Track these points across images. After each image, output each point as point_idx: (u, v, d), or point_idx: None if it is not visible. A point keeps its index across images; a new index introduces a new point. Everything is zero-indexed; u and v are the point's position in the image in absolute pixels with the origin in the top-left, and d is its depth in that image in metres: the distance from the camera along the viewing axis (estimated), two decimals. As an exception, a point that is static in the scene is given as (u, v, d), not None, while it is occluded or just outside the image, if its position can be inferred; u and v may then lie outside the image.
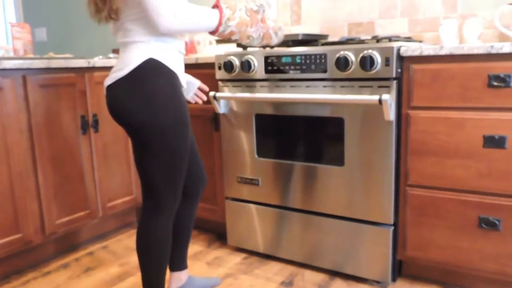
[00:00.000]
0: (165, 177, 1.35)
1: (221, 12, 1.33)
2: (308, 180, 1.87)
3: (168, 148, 1.31)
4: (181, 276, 1.67)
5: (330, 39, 2.17)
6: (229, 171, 2.10)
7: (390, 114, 1.62)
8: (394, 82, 1.62)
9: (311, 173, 1.85)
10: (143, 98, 1.26)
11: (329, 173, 1.81)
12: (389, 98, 1.58)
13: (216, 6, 1.35)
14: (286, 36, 1.91)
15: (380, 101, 1.59)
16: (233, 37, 1.40)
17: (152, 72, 1.27)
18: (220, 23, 1.33)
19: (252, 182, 2.03)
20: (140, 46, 1.29)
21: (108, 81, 1.34)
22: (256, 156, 1.99)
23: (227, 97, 1.96)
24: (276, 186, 1.96)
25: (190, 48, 2.56)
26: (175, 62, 1.34)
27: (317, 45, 1.85)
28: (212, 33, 1.36)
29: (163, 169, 1.33)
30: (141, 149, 1.33)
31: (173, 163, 1.34)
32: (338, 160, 1.78)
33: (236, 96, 1.92)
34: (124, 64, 1.29)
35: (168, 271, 1.84)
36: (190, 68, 2.16)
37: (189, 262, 2.08)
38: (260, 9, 1.43)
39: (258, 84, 1.91)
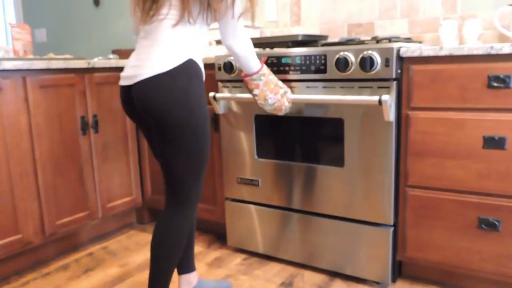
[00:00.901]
0: (193, 173, 1.41)
1: (262, 65, 1.62)
2: (308, 180, 1.87)
3: (198, 146, 1.38)
4: (191, 279, 1.66)
5: (330, 40, 2.17)
6: (229, 172, 2.10)
7: (390, 115, 1.62)
8: (394, 83, 1.62)
9: (311, 174, 1.85)
10: (182, 96, 1.32)
11: (329, 174, 1.81)
12: (389, 98, 1.58)
13: (262, 61, 1.64)
14: (285, 36, 1.92)
15: (380, 101, 1.59)
16: (254, 92, 1.65)
17: (191, 73, 1.35)
18: (256, 72, 1.60)
19: (252, 182, 2.03)
20: (182, 45, 1.35)
21: (141, 74, 1.33)
22: (256, 156, 1.99)
23: (227, 98, 1.96)
24: (276, 186, 1.96)
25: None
26: (202, 67, 1.43)
27: (317, 45, 1.85)
28: (245, 75, 1.62)
29: (193, 165, 1.40)
30: (172, 146, 1.36)
31: (201, 160, 1.41)
32: (338, 161, 1.78)
33: (236, 97, 1.93)
34: (162, 59, 1.32)
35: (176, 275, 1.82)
36: (190, 69, 2.16)
37: (189, 263, 2.08)
38: (284, 89, 1.73)
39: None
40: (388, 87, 1.63)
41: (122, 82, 1.42)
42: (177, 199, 1.44)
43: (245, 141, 2.01)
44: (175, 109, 1.31)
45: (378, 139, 1.68)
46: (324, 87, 1.76)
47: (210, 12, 1.37)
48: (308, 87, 1.79)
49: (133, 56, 1.42)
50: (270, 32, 2.59)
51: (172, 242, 1.44)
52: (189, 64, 1.35)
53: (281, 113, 1.75)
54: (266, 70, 1.63)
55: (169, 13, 1.34)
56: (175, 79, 1.32)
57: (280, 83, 1.71)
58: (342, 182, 1.78)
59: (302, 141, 1.86)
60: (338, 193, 1.80)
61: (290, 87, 1.83)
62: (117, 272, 2.03)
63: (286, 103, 1.73)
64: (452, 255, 1.67)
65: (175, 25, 1.33)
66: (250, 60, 1.56)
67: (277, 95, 1.67)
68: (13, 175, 1.89)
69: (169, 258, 1.45)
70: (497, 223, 1.57)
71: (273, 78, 1.66)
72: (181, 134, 1.34)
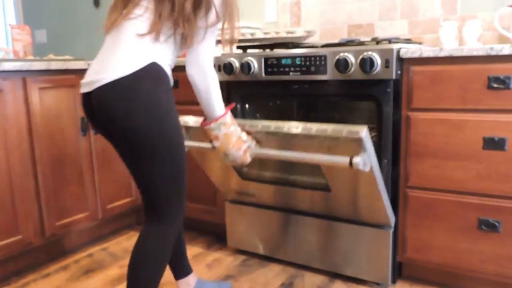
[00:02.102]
0: (172, 188, 1.29)
1: (226, 112, 1.42)
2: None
3: (173, 157, 1.25)
4: (189, 281, 1.62)
5: (330, 41, 2.17)
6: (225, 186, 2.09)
7: (366, 168, 1.46)
8: (393, 84, 1.62)
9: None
10: (149, 101, 1.19)
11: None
12: (361, 160, 1.41)
13: (227, 107, 1.44)
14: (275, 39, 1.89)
15: (351, 163, 1.42)
16: (213, 143, 1.45)
17: (158, 76, 1.23)
18: (216, 119, 1.40)
19: (247, 194, 2.02)
20: (148, 48, 1.22)
21: (102, 79, 1.19)
22: (240, 178, 1.98)
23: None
24: (276, 187, 1.96)
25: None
26: (170, 75, 1.31)
27: (317, 46, 1.85)
28: (204, 122, 1.43)
29: (171, 178, 1.27)
30: (143, 160, 1.23)
31: (179, 170, 1.28)
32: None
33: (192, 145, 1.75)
34: (124, 61, 1.20)
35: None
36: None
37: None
38: (247, 143, 1.51)
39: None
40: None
41: (83, 89, 1.26)
42: (157, 216, 1.31)
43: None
44: (141, 116, 1.17)
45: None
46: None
47: (181, 38, 1.27)
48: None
49: (94, 61, 1.29)
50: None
51: (152, 264, 1.30)
52: (154, 67, 1.22)
53: (244, 166, 1.56)
54: (229, 119, 1.42)
55: (143, 15, 1.23)
56: (140, 82, 1.18)
57: (244, 136, 1.50)
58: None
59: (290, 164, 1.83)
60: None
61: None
62: (117, 273, 2.02)
63: (249, 159, 1.52)
64: (452, 256, 1.67)
65: (142, 35, 1.21)
66: (213, 100, 1.37)
67: (239, 151, 1.46)
68: (13, 176, 1.89)
69: (147, 283, 1.30)
70: (497, 224, 1.57)
71: (235, 129, 1.45)
72: (151, 146, 1.20)
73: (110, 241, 2.39)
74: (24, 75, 1.91)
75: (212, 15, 1.27)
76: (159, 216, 1.31)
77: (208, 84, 1.35)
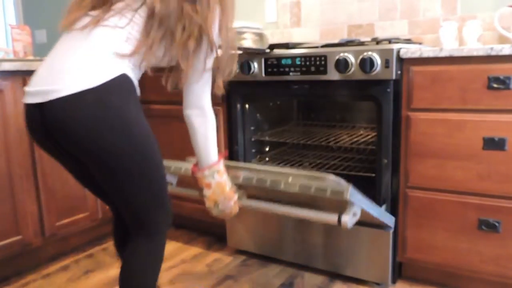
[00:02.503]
0: (157, 198, 1.19)
1: (220, 159, 1.33)
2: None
3: (151, 168, 1.15)
4: None
5: (330, 41, 2.17)
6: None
7: (355, 219, 1.40)
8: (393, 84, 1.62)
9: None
10: (118, 118, 1.06)
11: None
12: (349, 218, 1.36)
13: (221, 154, 1.35)
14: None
15: (339, 221, 1.36)
16: (204, 191, 1.33)
17: (127, 89, 1.10)
18: (210, 166, 1.30)
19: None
20: (117, 58, 1.09)
21: (59, 89, 1.02)
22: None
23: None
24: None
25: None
26: (137, 85, 1.17)
27: (317, 46, 1.86)
28: (196, 169, 1.33)
29: (152, 190, 1.17)
30: (116, 179, 1.11)
31: (158, 180, 1.18)
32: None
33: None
34: (89, 70, 1.05)
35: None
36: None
37: (188, 264, 2.08)
38: (237, 194, 1.40)
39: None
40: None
41: (29, 99, 1.07)
42: (144, 231, 1.21)
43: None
44: (113, 135, 1.05)
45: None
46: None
47: (176, 73, 1.18)
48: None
49: (45, 65, 1.11)
50: (270, 33, 2.59)
51: (150, 280, 1.22)
52: (124, 79, 1.08)
53: (228, 218, 1.46)
54: (222, 166, 1.33)
55: (124, 28, 1.10)
56: (107, 97, 1.04)
57: (235, 189, 1.39)
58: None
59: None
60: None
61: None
62: (117, 273, 2.01)
63: (237, 210, 1.42)
64: (452, 256, 1.67)
65: (121, 55, 1.08)
66: (209, 144, 1.28)
67: (230, 202, 1.35)
68: (13, 176, 1.89)
69: None
70: (497, 224, 1.57)
71: (227, 179, 1.35)
72: (127, 164, 1.09)
73: (110, 241, 2.39)
74: (24, 75, 1.91)
75: (211, 60, 1.20)
76: (146, 230, 1.21)
77: (207, 127, 1.27)
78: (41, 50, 3.56)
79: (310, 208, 1.42)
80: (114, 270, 2.05)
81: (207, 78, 1.24)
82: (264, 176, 1.39)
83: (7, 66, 1.83)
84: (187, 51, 1.14)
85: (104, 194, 1.27)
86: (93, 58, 1.06)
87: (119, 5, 1.13)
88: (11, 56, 2.44)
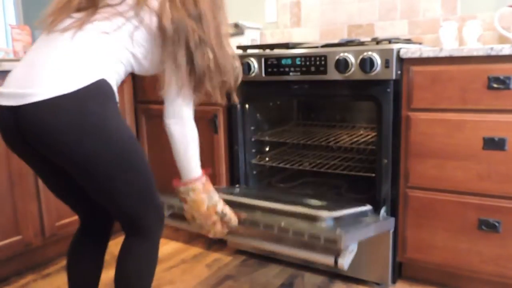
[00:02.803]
0: (146, 199, 1.17)
1: (199, 178, 1.28)
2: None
3: (135, 170, 1.13)
4: None
5: (330, 41, 2.17)
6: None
7: (352, 256, 1.41)
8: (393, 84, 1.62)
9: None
10: (97, 124, 1.03)
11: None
12: (346, 260, 1.37)
13: (203, 171, 1.31)
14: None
15: (336, 263, 1.35)
16: (184, 207, 1.31)
17: (106, 94, 1.07)
18: (185, 184, 1.27)
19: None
20: (96, 60, 1.07)
21: (36, 93, 0.99)
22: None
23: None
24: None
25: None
26: (116, 90, 1.14)
27: (317, 46, 1.86)
28: (175, 182, 1.30)
29: (140, 192, 1.15)
30: (104, 185, 1.10)
31: (145, 181, 1.16)
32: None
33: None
34: (66, 74, 1.02)
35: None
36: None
37: (188, 264, 2.08)
38: (222, 215, 1.34)
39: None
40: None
41: (4, 101, 1.03)
42: (138, 231, 1.20)
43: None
44: (89, 140, 1.02)
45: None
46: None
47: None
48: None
49: (21, 65, 1.08)
50: (270, 33, 2.59)
51: (147, 281, 1.24)
52: (102, 84, 1.06)
53: (211, 236, 1.39)
54: (200, 185, 1.28)
55: (110, 34, 1.08)
56: (85, 102, 1.01)
57: (220, 207, 1.33)
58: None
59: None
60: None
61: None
62: (117, 273, 2.02)
63: (223, 232, 1.37)
64: (452, 256, 1.67)
65: (104, 62, 1.07)
66: (189, 156, 1.25)
67: (207, 221, 1.31)
68: (13, 176, 1.89)
69: None
70: (497, 224, 1.57)
71: (208, 198, 1.29)
72: (109, 170, 1.07)
73: (111, 241, 2.38)
74: (24, 75, 1.91)
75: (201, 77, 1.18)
76: (140, 232, 1.20)
77: (187, 137, 1.24)
78: (41, 50, 3.56)
79: (306, 247, 1.41)
80: (113, 270, 2.05)
81: (190, 89, 1.20)
82: (258, 218, 1.40)
83: (7, 66, 1.83)
84: (181, 70, 1.14)
85: (74, 200, 1.29)
86: (72, 62, 1.04)
87: (107, 10, 1.10)
88: (11, 56, 2.44)
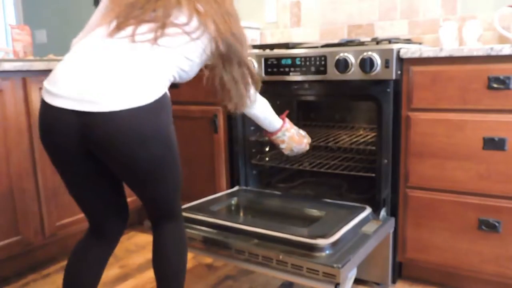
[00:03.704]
0: (177, 194, 1.31)
1: (284, 122, 1.69)
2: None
3: (178, 170, 1.27)
4: None
5: (330, 41, 2.17)
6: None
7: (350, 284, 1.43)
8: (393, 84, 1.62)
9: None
10: (166, 135, 1.17)
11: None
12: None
13: (282, 118, 1.70)
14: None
15: None
16: (281, 145, 1.73)
17: (169, 106, 1.20)
18: (280, 129, 1.68)
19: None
20: (162, 72, 1.17)
21: (112, 101, 1.06)
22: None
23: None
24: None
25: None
26: None
27: (317, 46, 1.86)
28: (271, 134, 1.70)
29: (177, 186, 1.29)
30: (153, 184, 1.22)
31: (180, 176, 1.30)
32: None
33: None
34: (142, 87, 1.11)
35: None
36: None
37: (189, 264, 2.08)
38: (306, 137, 1.80)
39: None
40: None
41: (69, 105, 1.08)
42: (170, 219, 1.32)
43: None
44: (157, 147, 1.15)
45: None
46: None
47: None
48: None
49: (78, 67, 1.11)
50: (270, 33, 2.59)
51: (184, 261, 1.35)
52: (166, 96, 1.18)
53: (307, 148, 1.82)
54: (288, 125, 1.70)
55: (175, 49, 1.18)
56: (158, 114, 1.14)
57: (302, 132, 1.78)
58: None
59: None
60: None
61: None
62: (118, 273, 2.02)
63: (308, 145, 1.81)
64: (452, 256, 1.67)
65: (167, 76, 1.19)
66: (270, 118, 1.63)
67: (301, 145, 1.76)
68: (13, 176, 1.89)
69: (183, 278, 1.36)
70: (497, 224, 1.57)
71: (295, 130, 1.74)
72: (164, 172, 1.21)
73: (110, 241, 2.39)
74: (24, 75, 1.91)
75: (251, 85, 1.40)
76: (172, 218, 1.33)
77: (264, 110, 1.59)
78: (41, 50, 3.56)
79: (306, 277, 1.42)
80: (114, 270, 2.05)
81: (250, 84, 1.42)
82: (256, 251, 1.44)
83: (7, 66, 1.83)
84: (236, 83, 1.33)
85: (97, 204, 1.33)
86: (147, 74, 1.12)
87: (175, 29, 1.17)
88: (11, 56, 2.44)
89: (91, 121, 1.07)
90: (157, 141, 1.14)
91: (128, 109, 1.07)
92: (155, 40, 1.14)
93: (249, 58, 1.42)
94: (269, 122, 1.64)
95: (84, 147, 1.13)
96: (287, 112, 1.74)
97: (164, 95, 1.16)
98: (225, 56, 1.26)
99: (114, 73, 1.08)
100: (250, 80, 1.38)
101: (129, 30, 1.14)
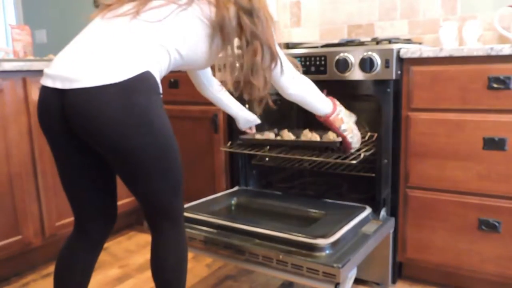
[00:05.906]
0: (177, 190, 1.22)
1: (332, 99, 1.52)
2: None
3: (173, 164, 1.18)
4: None
5: (330, 41, 2.17)
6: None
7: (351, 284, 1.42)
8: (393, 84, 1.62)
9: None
10: (142, 116, 1.07)
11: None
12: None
13: (331, 98, 1.52)
14: None
15: None
16: (341, 128, 1.52)
17: (150, 87, 1.09)
18: (334, 110, 1.49)
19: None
20: (145, 52, 1.10)
21: (86, 78, 1.02)
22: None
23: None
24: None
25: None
26: (160, 83, 1.16)
27: (317, 46, 1.85)
28: (323, 118, 1.50)
29: (174, 184, 1.20)
30: (144, 178, 1.14)
31: (178, 173, 1.21)
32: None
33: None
34: (116, 64, 1.05)
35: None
36: (190, 70, 2.16)
37: (189, 264, 2.08)
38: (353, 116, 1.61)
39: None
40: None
41: (50, 82, 1.07)
42: (169, 221, 1.24)
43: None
44: (135, 131, 1.06)
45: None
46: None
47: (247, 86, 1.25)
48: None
49: (70, 49, 1.11)
50: (270, 33, 2.58)
51: (184, 267, 1.29)
52: (147, 76, 1.08)
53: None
54: (336, 102, 1.54)
55: (163, 22, 1.11)
56: (131, 94, 1.04)
57: (354, 118, 1.61)
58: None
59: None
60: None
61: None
62: (118, 273, 2.02)
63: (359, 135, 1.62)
64: (452, 256, 1.67)
65: (154, 55, 1.11)
66: (319, 97, 1.46)
67: (352, 132, 1.57)
68: (13, 176, 1.89)
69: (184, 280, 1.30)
70: (497, 224, 1.57)
71: (343, 107, 1.56)
72: (152, 164, 1.11)
73: (110, 241, 2.39)
74: (24, 75, 1.91)
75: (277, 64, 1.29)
76: (169, 221, 1.24)
77: (309, 86, 1.43)
78: (41, 50, 3.56)
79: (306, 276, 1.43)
80: (114, 270, 2.05)
81: (281, 64, 1.31)
82: (256, 251, 1.44)
83: (7, 66, 1.83)
84: (256, 65, 1.21)
85: (86, 198, 1.26)
86: (121, 51, 1.07)
87: (160, 2, 1.13)
88: (11, 56, 2.44)
89: (66, 99, 1.04)
90: (133, 127, 1.05)
91: (95, 86, 1.01)
92: (137, 13, 1.10)
93: (272, 36, 1.31)
94: (322, 101, 1.47)
95: (67, 127, 1.09)
96: (325, 90, 1.55)
97: (142, 76, 1.06)
98: (225, 27, 1.17)
99: (90, 51, 1.07)
100: (269, 61, 1.25)
101: (120, 9, 1.13)
